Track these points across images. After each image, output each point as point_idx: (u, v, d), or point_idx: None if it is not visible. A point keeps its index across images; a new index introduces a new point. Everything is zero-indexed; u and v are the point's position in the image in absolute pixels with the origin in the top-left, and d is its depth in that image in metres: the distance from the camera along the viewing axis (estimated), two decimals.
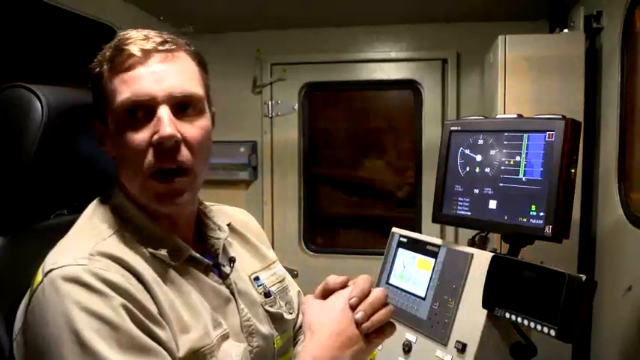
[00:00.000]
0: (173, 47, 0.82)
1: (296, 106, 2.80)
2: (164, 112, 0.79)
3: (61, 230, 0.83)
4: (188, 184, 0.83)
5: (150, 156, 0.79)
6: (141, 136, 0.79)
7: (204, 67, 0.88)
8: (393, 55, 2.73)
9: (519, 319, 1.08)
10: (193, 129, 0.82)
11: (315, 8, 2.35)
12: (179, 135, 0.79)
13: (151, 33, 0.83)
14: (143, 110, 0.79)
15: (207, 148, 0.85)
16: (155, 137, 0.78)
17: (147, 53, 0.80)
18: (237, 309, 0.91)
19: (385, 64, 2.74)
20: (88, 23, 1.97)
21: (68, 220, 0.87)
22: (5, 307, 0.81)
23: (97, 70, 0.83)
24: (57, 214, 0.97)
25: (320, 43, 2.71)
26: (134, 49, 0.79)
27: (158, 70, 0.80)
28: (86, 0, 1.92)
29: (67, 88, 0.98)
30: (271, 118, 2.82)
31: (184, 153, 0.80)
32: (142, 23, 2.26)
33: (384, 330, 0.82)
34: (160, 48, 0.81)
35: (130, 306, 0.72)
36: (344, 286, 0.85)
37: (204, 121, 0.84)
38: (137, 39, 0.81)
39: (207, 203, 1.00)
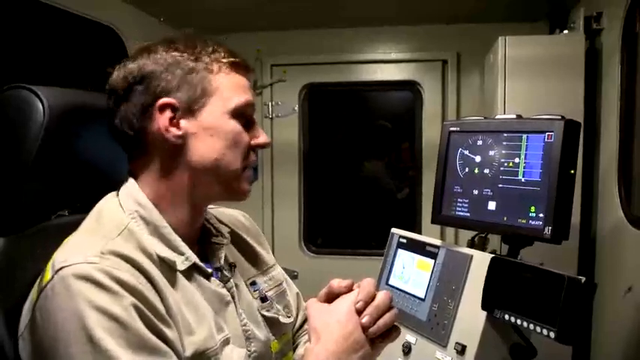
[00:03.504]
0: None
1: (296, 107, 2.81)
2: (256, 122, 0.93)
3: (62, 231, 0.83)
4: None
5: (252, 154, 0.92)
6: (247, 137, 0.90)
7: None
8: (393, 56, 2.73)
9: (519, 321, 1.08)
10: None
11: (315, 9, 2.35)
12: None
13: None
14: (248, 116, 0.91)
15: None
16: (262, 140, 0.92)
17: (248, 71, 0.93)
18: (237, 313, 0.91)
19: (385, 65, 2.75)
20: (88, 24, 1.98)
21: (69, 221, 0.87)
22: (6, 307, 0.81)
23: (196, 64, 0.87)
24: (58, 214, 0.97)
25: (320, 44, 2.71)
26: (242, 63, 0.92)
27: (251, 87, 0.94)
28: (86, 1, 1.92)
29: (68, 88, 0.98)
30: (271, 119, 2.82)
31: None
32: (142, 24, 2.28)
33: (389, 334, 0.82)
34: (251, 70, 0.95)
35: (140, 305, 0.73)
36: (349, 289, 0.85)
37: None
38: (232, 52, 0.92)
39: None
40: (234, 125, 0.88)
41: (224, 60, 0.89)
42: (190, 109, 0.86)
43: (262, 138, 0.92)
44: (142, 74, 0.86)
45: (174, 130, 0.85)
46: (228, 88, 0.88)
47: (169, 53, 0.87)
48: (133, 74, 0.86)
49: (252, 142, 0.91)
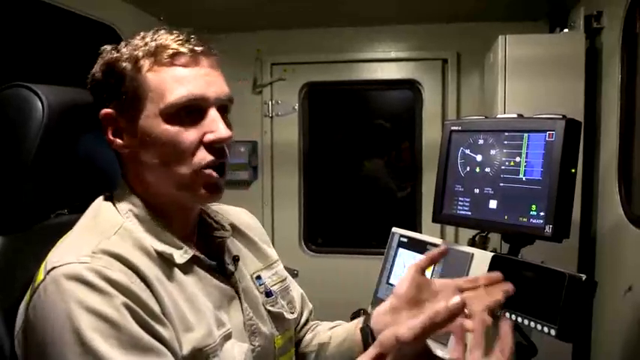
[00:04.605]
0: (215, 53, 0.86)
1: (296, 106, 2.81)
2: (215, 114, 0.83)
3: (62, 230, 0.83)
4: (223, 181, 0.87)
5: (202, 153, 0.82)
6: (192, 134, 0.81)
7: None
8: (393, 55, 2.73)
9: (519, 319, 1.08)
10: (230, 131, 0.85)
11: (315, 8, 2.35)
12: None
13: (189, 36, 0.84)
14: (195, 110, 0.82)
15: None
16: (212, 137, 0.82)
17: (197, 55, 0.83)
18: (241, 308, 0.91)
19: (385, 64, 2.75)
20: (88, 23, 1.98)
21: (69, 220, 0.87)
22: (5, 306, 0.81)
23: (127, 65, 0.82)
24: (57, 213, 0.97)
25: (320, 43, 2.71)
26: (183, 49, 0.82)
27: (208, 73, 0.83)
28: (86, 0, 1.92)
29: (67, 87, 0.98)
30: (271, 118, 2.82)
31: (226, 152, 0.85)
32: (142, 23, 2.27)
33: None
34: (207, 53, 0.84)
35: (133, 305, 0.72)
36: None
37: (230, 124, 0.88)
38: (180, 39, 0.83)
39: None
40: (167, 128, 0.81)
41: (159, 55, 0.81)
42: (130, 117, 0.83)
43: (217, 133, 0.82)
44: (92, 83, 0.86)
45: (117, 141, 0.84)
46: (161, 86, 0.81)
47: (112, 54, 0.84)
48: (90, 84, 0.87)
49: (205, 138, 0.82)
